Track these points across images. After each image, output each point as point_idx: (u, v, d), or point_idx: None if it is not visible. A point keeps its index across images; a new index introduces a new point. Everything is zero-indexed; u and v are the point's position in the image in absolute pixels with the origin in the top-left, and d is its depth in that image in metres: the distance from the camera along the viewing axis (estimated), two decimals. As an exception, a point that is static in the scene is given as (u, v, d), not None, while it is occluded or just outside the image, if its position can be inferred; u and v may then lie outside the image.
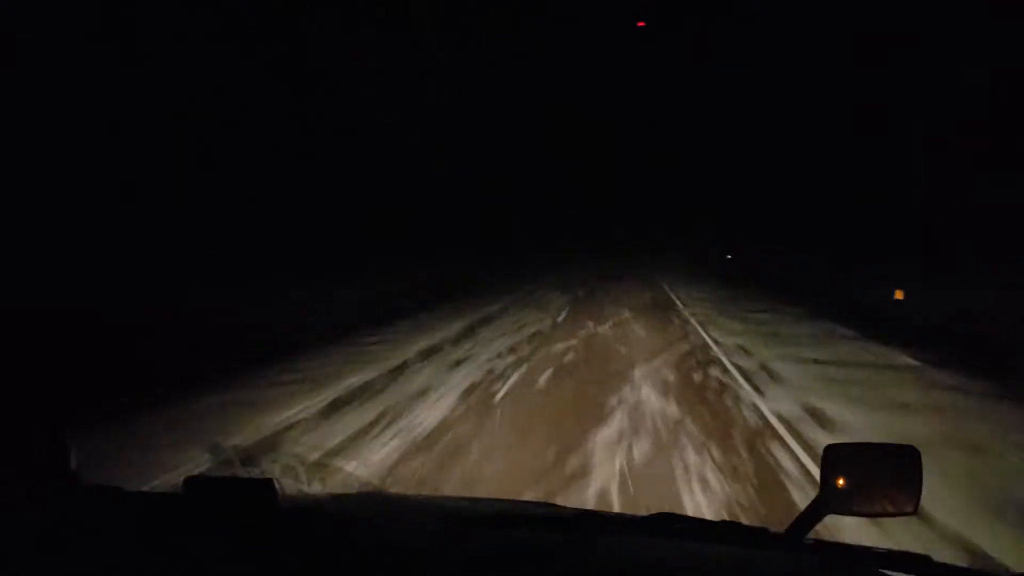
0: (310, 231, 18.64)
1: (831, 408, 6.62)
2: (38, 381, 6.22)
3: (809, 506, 1.18)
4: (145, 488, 3.18)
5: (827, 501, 1.16)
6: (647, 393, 7.35)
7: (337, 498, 1.48)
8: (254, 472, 4.15)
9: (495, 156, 38.93)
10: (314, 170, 19.33)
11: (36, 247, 10.22)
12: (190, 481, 1.12)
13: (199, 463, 5.22)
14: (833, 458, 1.18)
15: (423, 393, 7.65)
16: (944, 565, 0.94)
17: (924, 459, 1.18)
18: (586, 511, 1.11)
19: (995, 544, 3.69)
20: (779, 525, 1.24)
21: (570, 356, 9.75)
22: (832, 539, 1.18)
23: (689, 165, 59.70)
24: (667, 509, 1.21)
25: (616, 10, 47.41)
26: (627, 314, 14.66)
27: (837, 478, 1.15)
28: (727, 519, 1.14)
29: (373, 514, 1.36)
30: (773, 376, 8.17)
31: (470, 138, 33.99)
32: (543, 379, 8.23)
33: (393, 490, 4.55)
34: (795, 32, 26.18)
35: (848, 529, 3.61)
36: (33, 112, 10.57)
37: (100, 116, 12.11)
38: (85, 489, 1.32)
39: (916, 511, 1.15)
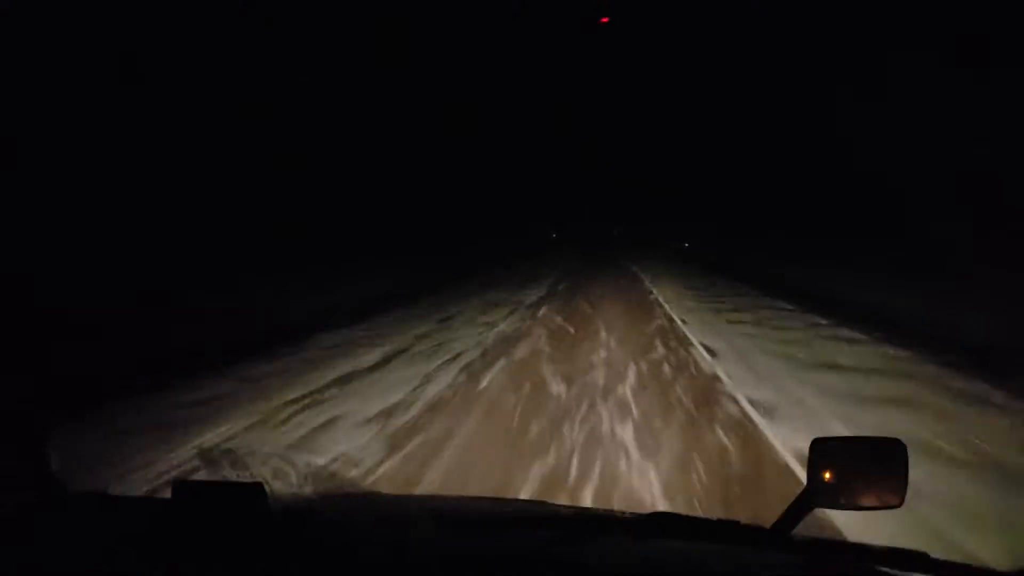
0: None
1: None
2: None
3: (796, 500, 1.18)
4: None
5: (814, 495, 1.16)
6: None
7: (328, 500, 1.45)
8: (244, 475, 4.14)
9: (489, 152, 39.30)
10: (310, 167, 19.28)
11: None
12: (178, 485, 1.09)
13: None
14: (819, 452, 1.18)
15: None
16: (942, 562, 0.91)
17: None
18: (580, 509, 1.09)
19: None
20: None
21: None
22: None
23: (677, 164, 59.58)
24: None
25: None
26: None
27: (823, 472, 1.15)
28: (723, 518, 1.14)
29: (364, 515, 1.34)
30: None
31: (458, 136, 34.34)
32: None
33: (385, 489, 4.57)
34: (789, 27, 26.20)
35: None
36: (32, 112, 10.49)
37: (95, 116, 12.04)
38: (71, 496, 1.29)
39: (901, 504, 1.14)
